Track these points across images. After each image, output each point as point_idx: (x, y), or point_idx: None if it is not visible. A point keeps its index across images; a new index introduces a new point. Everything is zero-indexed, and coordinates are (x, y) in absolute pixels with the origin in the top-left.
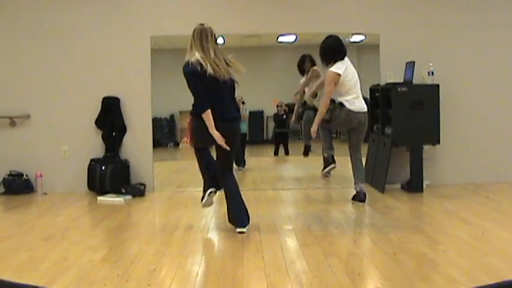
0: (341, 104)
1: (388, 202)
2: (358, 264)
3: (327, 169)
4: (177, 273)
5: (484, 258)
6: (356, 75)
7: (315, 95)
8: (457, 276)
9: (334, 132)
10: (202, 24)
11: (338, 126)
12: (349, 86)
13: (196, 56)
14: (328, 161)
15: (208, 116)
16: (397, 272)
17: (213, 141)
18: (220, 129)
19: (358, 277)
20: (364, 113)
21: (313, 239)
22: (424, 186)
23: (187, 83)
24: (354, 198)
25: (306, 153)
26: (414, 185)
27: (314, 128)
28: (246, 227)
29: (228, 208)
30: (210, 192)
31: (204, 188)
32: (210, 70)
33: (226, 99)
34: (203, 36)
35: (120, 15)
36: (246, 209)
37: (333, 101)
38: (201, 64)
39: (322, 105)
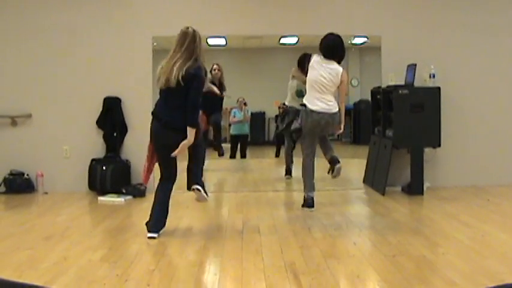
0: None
1: (388, 204)
2: (357, 267)
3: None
4: (176, 274)
5: (484, 260)
6: (334, 80)
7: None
8: (456, 279)
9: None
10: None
11: (309, 131)
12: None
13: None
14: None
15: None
16: (396, 275)
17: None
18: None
19: (357, 279)
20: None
21: (313, 241)
22: (425, 188)
23: (199, 89)
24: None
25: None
26: (415, 188)
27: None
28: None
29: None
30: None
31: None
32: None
33: None
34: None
35: (122, 16)
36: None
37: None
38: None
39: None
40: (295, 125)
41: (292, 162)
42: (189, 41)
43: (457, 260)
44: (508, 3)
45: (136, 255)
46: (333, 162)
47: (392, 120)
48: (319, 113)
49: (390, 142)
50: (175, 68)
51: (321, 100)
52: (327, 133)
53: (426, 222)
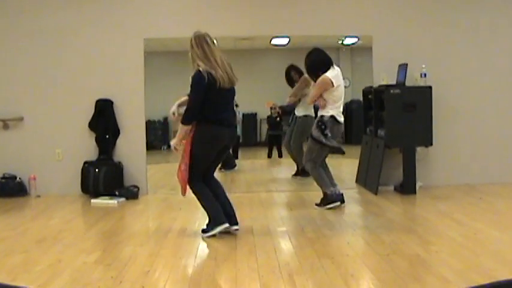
0: (333, 118)
1: (381, 204)
2: (351, 266)
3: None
4: (171, 275)
5: (476, 258)
6: (343, 85)
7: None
8: (449, 276)
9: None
10: (199, 31)
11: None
12: (339, 95)
13: (204, 65)
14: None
15: (188, 128)
16: (390, 273)
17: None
18: (223, 134)
19: (351, 278)
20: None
21: (307, 241)
22: (417, 187)
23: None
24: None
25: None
26: (407, 187)
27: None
28: (238, 226)
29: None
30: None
31: (210, 222)
32: (220, 79)
33: (231, 106)
34: (204, 43)
35: (114, 18)
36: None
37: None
38: (210, 73)
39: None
40: (332, 142)
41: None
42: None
43: (450, 257)
44: (499, 2)
45: (130, 257)
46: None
47: (384, 119)
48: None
49: (382, 142)
50: None
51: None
52: None
53: (419, 221)
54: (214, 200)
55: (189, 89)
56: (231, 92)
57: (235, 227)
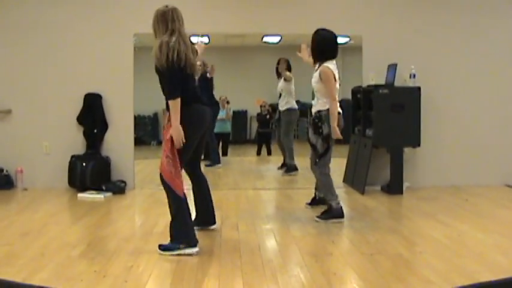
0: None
1: (368, 203)
2: (334, 265)
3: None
4: (154, 270)
5: (459, 259)
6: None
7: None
8: (432, 277)
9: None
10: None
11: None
12: (337, 88)
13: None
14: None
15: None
16: (373, 273)
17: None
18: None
19: (334, 277)
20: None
21: (291, 239)
22: (404, 188)
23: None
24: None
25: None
26: (394, 187)
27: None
28: (216, 225)
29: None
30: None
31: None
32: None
33: None
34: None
35: (103, 12)
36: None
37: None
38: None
39: (334, 107)
40: (326, 130)
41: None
42: None
43: (434, 259)
44: (489, 4)
45: (114, 252)
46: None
47: (373, 119)
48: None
49: (370, 141)
50: None
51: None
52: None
53: (404, 222)
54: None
55: None
56: None
57: (214, 226)
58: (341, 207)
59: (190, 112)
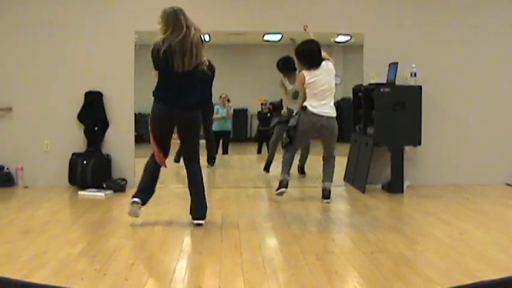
0: (304, 108)
1: (368, 202)
2: (335, 263)
3: (278, 191)
4: (155, 268)
5: (461, 258)
6: (331, 83)
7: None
8: (433, 276)
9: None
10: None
11: (303, 133)
12: (317, 91)
13: None
14: (283, 184)
15: None
16: (374, 271)
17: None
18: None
19: (335, 275)
20: (327, 117)
21: (292, 237)
22: (405, 186)
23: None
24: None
25: (267, 169)
26: (395, 186)
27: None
28: (204, 220)
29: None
30: (133, 202)
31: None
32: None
33: None
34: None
35: (105, 10)
36: (205, 202)
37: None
38: None
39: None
40: (292, 122)
41: (273, 156)
42: None
43: (435, 257)
44: (489, 4)
45: (115, 250)
46: (324, 194)
47: (374, 118)
48: (321, 116)
49: (371, 140)
50: None
51: (326, 106)
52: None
53: (405, 220)
54: (151, 180)
55: None
56: None
57: (197, 222)
58: (283, 180)
59: (152, 108)
